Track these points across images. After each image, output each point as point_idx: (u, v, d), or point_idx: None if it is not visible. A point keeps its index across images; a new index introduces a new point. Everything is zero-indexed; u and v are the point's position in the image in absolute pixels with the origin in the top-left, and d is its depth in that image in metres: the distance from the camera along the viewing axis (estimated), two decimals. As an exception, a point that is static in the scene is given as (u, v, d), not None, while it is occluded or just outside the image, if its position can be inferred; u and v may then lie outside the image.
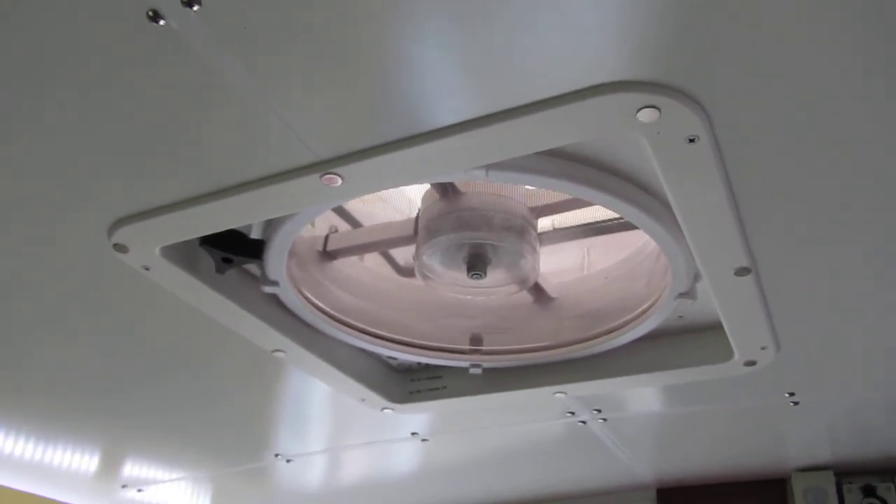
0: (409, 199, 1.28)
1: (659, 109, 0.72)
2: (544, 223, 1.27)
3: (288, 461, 1.73)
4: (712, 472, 1.84)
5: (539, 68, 0.70)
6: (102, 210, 0.92)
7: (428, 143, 0.77)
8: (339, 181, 0.83)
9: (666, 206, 0.90)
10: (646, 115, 0.73)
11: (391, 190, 1.32)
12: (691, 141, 0.76)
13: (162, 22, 0.67)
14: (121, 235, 0.94)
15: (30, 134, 0.81)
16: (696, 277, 1.05)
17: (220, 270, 1.02)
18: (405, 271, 1.36)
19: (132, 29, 0.67)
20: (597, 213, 1.21)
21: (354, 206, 1.28)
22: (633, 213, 0.92)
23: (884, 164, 0.83)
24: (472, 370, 1.31)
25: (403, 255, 1.36)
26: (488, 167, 0.85)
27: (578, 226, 1.24)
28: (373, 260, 1.36)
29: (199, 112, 0.77)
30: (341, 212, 1.25)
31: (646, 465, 1.81)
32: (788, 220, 0.92)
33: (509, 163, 0.85)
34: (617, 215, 1.16)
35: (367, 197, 1.32)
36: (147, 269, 1.01)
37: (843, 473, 1.75)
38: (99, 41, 0.69)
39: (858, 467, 1.74)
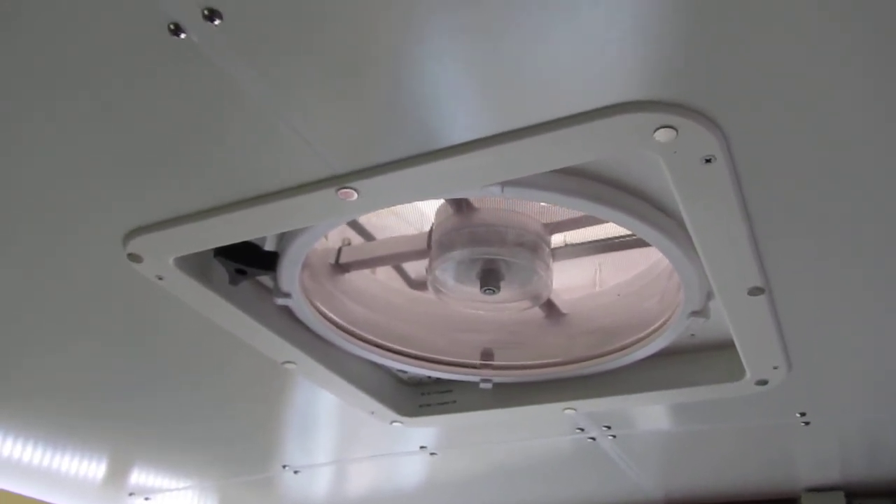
0: (423, 212, 1.28)
1: (676, 129, 0.72)
2: (557, 239, 1.27)
3: (295, 472, 1.73)
4: (721, 491, 1.83)
5: (555, 87, 0.70)
6: (118, 220, 0.93)
7: (443, 160, 0.78)
8: (355, 195, 0.83)
9: (680, 224, 0.90)
10: (662, 135, 0.73)
11: (406, 205, 1.33)
12: (707, 161, 0.76)
13: (183, 35, 0.67)
14: (135, 245, 0.95)
15: (47, 143, 0.81)
16: (709, 296, 1.05)
17: (233, 282, 1.03)
18: (417, 285, 1.36)
19: (152, 41, 0.68)
20: (610, 229, 1.21)
21: (367, 219, 1.28)
22: (647, 232, 0.92)
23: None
24: (482, 385, 1.31)
25: (415, 268, 1.36)
26: (504, 184, 0.85)
27: (591, 242, 1.24)
28: (385, 273, 1.36)
29: (217, 124, 0.78)
30: (354, 225, 1.25)
31: (655, 483, 1.80)
32: (803, 240, 0.91)
33: (525, 180, 0.85)
34: (628, 232, 1.17)
35: (380, 211, 1.32)
36: (161, 279, 1.01)
37: (854, 494, 1.74)
38: (119, 53, 0.70)
39: (869, 489, 1.72)
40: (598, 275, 1.36)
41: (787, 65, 0.68)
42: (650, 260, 1.24)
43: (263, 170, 0.83)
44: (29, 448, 1.63)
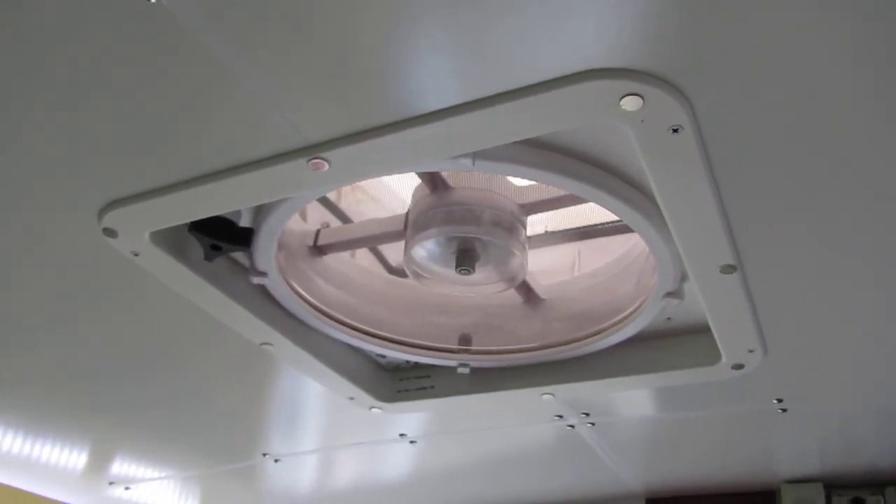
0: (402, 199, 1.28)
1: (642, 97, 0.73)
2: (537, 227, 1.27)
3: (276, 461, 1.73)
4: (701, 482, 1.83)
5: (522, 55, 0.71)
6: (92, 193, 0.93)
7: (413, 129, 0.78)
8: (326, 166, 0.83)
9: (653, 202, 0.91)
10: (629, 103, 0.73)
11: (384, 189, 1.33)
12: (675, 131, 0.76)
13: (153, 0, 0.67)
14: (110, 220, 0.95)
15: (20, 118, 0.82)
16: (684, 277, 1.05)
17: (208, 258, 1.03)
18: (396, 272, 1.36)
19: (123, 8, 0.68)
20: (588, 212, 1.22)
21: (349, 205, 1.29)
22: (618, 207, 0.93)
23: (875, 163, 0.83)
24: (460, 369, 1.31)
25: (395, 255, 1.37)
26: (475, 156, 0.85)
27: (571, 229, 1.25)
28: (365, 259, 1.37)
29: (190, 95, 0.78)
30: (335, 210, 1.26)
31: (635, 473, 1.80)
32: (775, 217, 0.92)
33: (496, 152, 0.86)
34: (608, 218, 1.18)
35: (359, 196, 1.33)
36: (136, 254, 1.01)
37: (833, 486, 1.75)
38: (91, 24, 0.70)
39: (848, 480, 1.73)
40: (577, 260, 1.37)
41: (755, 35, 0.68)
42: (628, 244, 1.24)
43: (236, 141, 0.84)
44: (8, 437, 1.62)
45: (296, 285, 1.18)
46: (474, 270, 1.10)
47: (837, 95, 0.75)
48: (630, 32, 0.68)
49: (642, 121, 0.75)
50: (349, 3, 0.67)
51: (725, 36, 0.68)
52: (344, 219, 1.27)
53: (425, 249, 1.12)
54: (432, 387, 1.38)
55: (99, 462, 1.77)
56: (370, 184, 1.29)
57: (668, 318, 1.20)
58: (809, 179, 0.86)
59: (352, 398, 1.38)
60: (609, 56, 0.71)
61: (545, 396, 1.34)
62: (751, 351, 1.17)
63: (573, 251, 1.37)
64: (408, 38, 0.70)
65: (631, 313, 1.18)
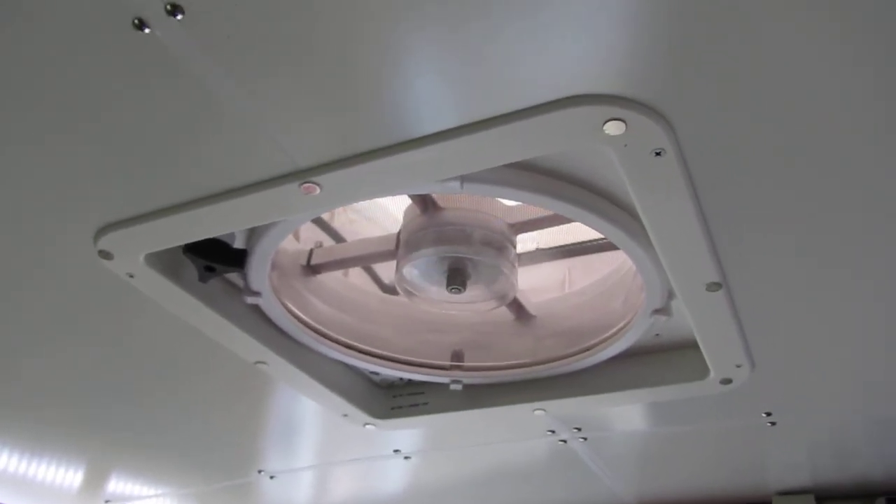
0: (396, 218, 1.30)
1: (625, 122, 0.75)
2: (529, 245, 1.29)
3: (272, 477, 1.74)
4: (694, 496, 1.84)
5: (510, 81, 0.73)
6: (88, 217, 0.95)
7: (402, 153, 0.80)
8: (318, 190, 0.85)
9: (639, 222, 0.92)
10: (612, 128, 0.75)
11: (378, 209, 1.35)
12: (658, 154, 0.78)
13: (147, 30, 0.69)
14: (106, 242, 0.96)
15: (15, 141, 0.83)
16: (671, 295, 1.07)
17: (202, 279, 1.04)
18: (389, 289, 1.38)
19: (118, 37, 0.70)
20: (576, 232, 1.24)
21: (342, 224, 1.31)
22: (605, 227, 0.94)
23: (857, 179, 0.85)
24: (452, 386, 1.32)
25: (388, 273, 1.38)
26: (463, 179, 0.87)
27: (561, 246, 1.27)
28: (358, 278, 1.38)
29: (183, 121, 0.80)
30: (329, 230, 1.27)
31: (627, 487, 1.81)
32: (759, 235, 0.94)
33: (484, 175, 0.87)
34: (596, 236, 1.19)
35: (353, 216, 1.35)
36: (131, 276, 1.03)
37: (824, 497, 1.76)
38: (84, 49, 0.72)
39: (839, 491, 1.74)
40: (567, 277, 1.38)
41: (736, 61, 0.70)
42: (618, 262, 1.26)
43: (229, 166, 0.86)
44: (4, 456, 1.63)
45: (290, 304, 1.20)
46: (465, 289, 1.12)
47: (819, 116, 0.77)
48: (612, 60, 0.70)
49: (625, 145, 0.77)
50: (340, 31, 0.69)
51: (706, 62, 0.70)
52: (337, 238, 1.29)
53: (417, 269, 1.13)
54: (426, 403, 1.39)
55: (95, 480, 1.78)
56: (363, 204, 1.31)
57: (657, 335, 1.21)
58: (792, 197, 0.87)
59: (346, 415, 1.39)
60: (592, 83, 0.73)
61: (537, 412, 1.35)
62: (738, 366, 1.18)
63: (563, 269, 1.39)
64: (397, 66, 0.72)
65: (620, 330, 1.20)
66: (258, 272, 1.07)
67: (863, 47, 0.69)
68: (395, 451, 1.61)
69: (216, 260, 1.02)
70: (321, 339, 1.25)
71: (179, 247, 1.02)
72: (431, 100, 0.76)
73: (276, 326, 1.21)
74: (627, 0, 0.65)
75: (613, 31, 0.68)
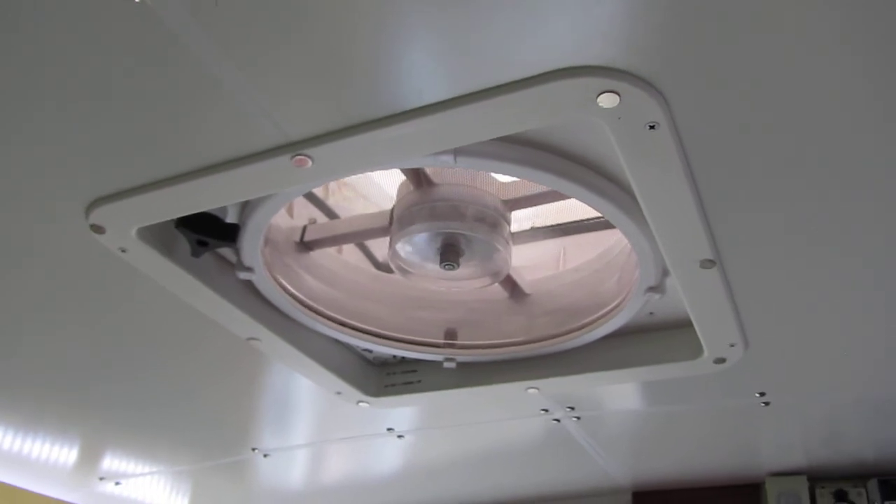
0: (391, 196, 1.30)
1: (619, 94, 0.74)
2: (524, 223, 1.29)
3: (265, 455, 1.74)
4: (688, 476, 1.85)
5: (503, 52, 0.72)
6: (80, 190, 0.94)
7: (395, 126, 0.79)
8: (310, 163, 0.84)
9: (633, 197, 0.92)
10: (606, 100, 0.74)
11: (373, 186, 1.34)
12: (651, 127, 0.78)
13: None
14: (98, 216, 0.96)
15: (6, 115, 0.82)
16: (665, 272, 1.07)
17: (195, 254, 1.04)
18: (383, 267, 1.37)
19: (108, 7, 0.69)
20: (574, 208, 1.23)
21: (337, 202, 1.30)
22: (598, 203, 0.94)
23: (852, 157, 0.84)
24: (446, 364, 1.32)
25: (382, 251, 1.38)
26: (456, 153, 0.87)
27: (557, 225, 1.26)
28: (351, 255, 1.38)
29: (175, 93, 0.79)
30: (324, 208, 1.27)
31: (621, 468, 1.82)
32: (752, 213, 0.93)
33: (478, 149, 0.87)
34: (592, 215, 1.19)
35: (348, 194, 1.34)
36: (124, 251, 1.02)
37: (817, 478, 1.77)
38: (71, 19, 0.71)
39: (831, 472, 1.75)
40: (562, 255, 1.38)
41: (731, 32, 0.70)
42: (612, 240, 1.26)
43: (220, 138, 0.85)
44: (-2, 433, 1.63)
45: (282, 280, 1.19)
46: (459, 266, 1.12)
47: (814, 90, 0.76)
48: (606, 31, 0.70)
49: (619, 118, 0.77)
50: (332, 2, 0.68)
51: (700, 33, 0.70)
52: (332, 215, 1.28)
53: (410, 245, 1.13)
54: (419, 381, 1.39)
55: (89, 458, 1.78)
56: (358, 180, 1.30)
57: (651, 313, 1.21)
58: (786, 174, 0.87)
59: (339, 393, 1.39)
60: (586, 54, 0.72)
61: (530, 390, 1.35)
62: (732, 345, 1.18)
63: (559, 247, 1.38)
64: (390, 36, 0.71)
65: (614, 308, 1.20)
66: (251, 247, 1.07)
67: (859, 23, 0.69)
68: (389, 429, 1.61)
69: (209, 234, 1.02)
70: (314, 315, 1.24)
71: (172, 221, 1.01)
72: (424, 71, 0.75)
73: (268, 303, 1.20)
74: None
75: (607, 2, 0.67)
